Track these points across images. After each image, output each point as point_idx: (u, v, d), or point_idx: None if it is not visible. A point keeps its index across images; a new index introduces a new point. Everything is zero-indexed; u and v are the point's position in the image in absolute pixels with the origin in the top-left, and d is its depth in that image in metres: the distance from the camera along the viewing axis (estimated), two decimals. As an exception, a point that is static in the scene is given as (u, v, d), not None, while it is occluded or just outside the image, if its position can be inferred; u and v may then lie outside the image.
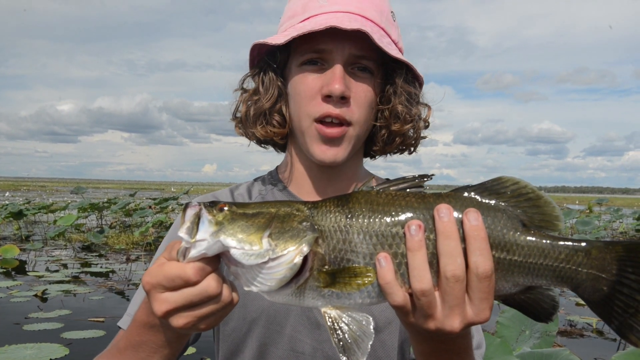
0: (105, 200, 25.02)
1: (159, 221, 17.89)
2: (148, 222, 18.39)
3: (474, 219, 0.93)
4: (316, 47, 1.41)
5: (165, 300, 0.94)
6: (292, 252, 0.92)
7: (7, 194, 50.87)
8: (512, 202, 0.97)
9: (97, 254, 14.72)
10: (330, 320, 0.97)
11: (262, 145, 1.62)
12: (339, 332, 0.96)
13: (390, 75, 1.47)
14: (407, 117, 1.48)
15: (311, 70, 1.43)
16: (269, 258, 0.91)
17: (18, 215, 18.25)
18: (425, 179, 1.00)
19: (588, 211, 29.23)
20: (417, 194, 0.98)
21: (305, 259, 0.94)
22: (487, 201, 0.97)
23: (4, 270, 12.08)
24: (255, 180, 1.68)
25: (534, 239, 0.96)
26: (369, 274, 0.94)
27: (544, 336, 5.33)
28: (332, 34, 1.36)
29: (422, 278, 0.92)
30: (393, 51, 1.39)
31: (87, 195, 30.77)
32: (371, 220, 0.96)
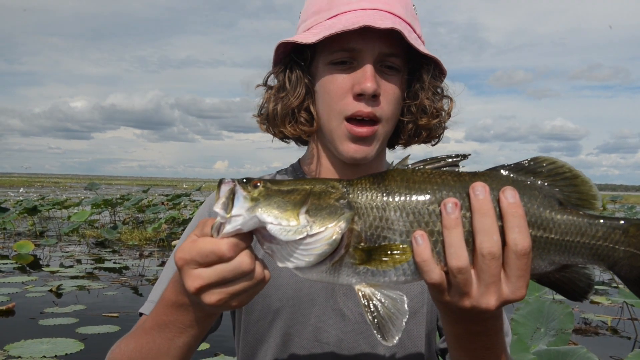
0: (119, 196, 25.19)
1: (172, 217, 17.98)
2: (161, 218, 18.48)
3: (511, 197, 0.93)
4: (346, 45, 1.40)
5: (199, 276, 0.94)
6: (331, 229, 0.92)
7: (21, 189, 51.35)
8: (549, 181, 0.97)
9: (110, 250, 14.82)
10: (364, 297, 0.97)
11: (284, 140, 1.62)
12: (373, 309, 0.96)
13: (417, 70, 1.48)
14: (434, 111, 1.49)
15: (340, 69, 1.43)
16: (307, 234, 0.91)
17: (32, 211, 18.42)
18: (461, 159, 1.01)
19: (602, 209, 28.99)
20: (453, 173, 0.99)
21: (341, 236, 0.94)
22: (523, 180, 0.97)
23: (19, 265, 12.20)
24: (278, 172, 1.69)
25: (570, 217, 0.96)
26: (404, 251, 0.94)
27: (560, 334, 5.30)
28: (363, 32, 1.35)
29: (459, 256, 0.92)
30: (422, 47, 1.39)
31: (100, 192, 31.00)
32: (407, 197, 0.96)
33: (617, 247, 0.96)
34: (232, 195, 0.93)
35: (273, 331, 1.47)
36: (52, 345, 6.73)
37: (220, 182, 0.95)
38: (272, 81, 1.56)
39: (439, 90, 1.51)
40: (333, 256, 0.95)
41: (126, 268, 12.25)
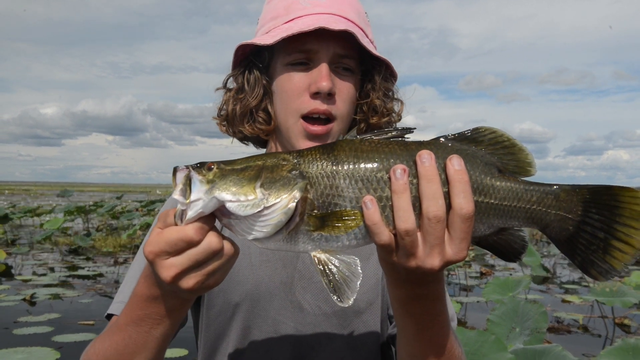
0: (92, 203, 24.85)
1: (147, 223, 17.80)
2: (135, 224, 18.29)
3: (457, 164, 0.99)
4: (302, 47, 1.46)
5: (172, 265, 0.97)
6: (286, 199, 0.96)
7: (-10, 197, 50.24)
8: (489, 149, 1.04)
9: (84, 257, 14.61)
10: (320, 263, 1.01)
11: (244, 142, 1.68)
12: (329, 273, 1.00)
13: (369, 72, 1.56)
14: (384, 110, 1.57)
15: (297, 69, 1.49)
16: (264, 207, 0.95)
17: (3, 219, 18.05)
18: (406, 132, 1.06)
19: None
20: (400, 142, 1.04)
21: (295, 205, 0.98)
22: (466, 148, 1.03)
23: (-9, 274, 11.96)
24: None
25: (508, 183, 1.03)
26: (356, 217, 0.99)
27: (534, 333, 5.40)
28: (319, 34, 1.42)
29: (406, 219, 0.97)
30: (374, 50, 1.48)
31: (72, 199, 30.53)
32: (356, 166, 1.00)
33: (549, 210, 1.04)
34: (188, 181, 0.96)
35: (234, 325, 1.51)
36: (27, 355, 6.63)
37: (175, 170, 0.98)
38: (231, 84, 1.62)
39: (389, 92, 1.59)
40: (289, 225, 0.98)
41: (100, 275, 12.09)
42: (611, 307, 8.28)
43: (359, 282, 1.00)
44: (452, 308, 1.57)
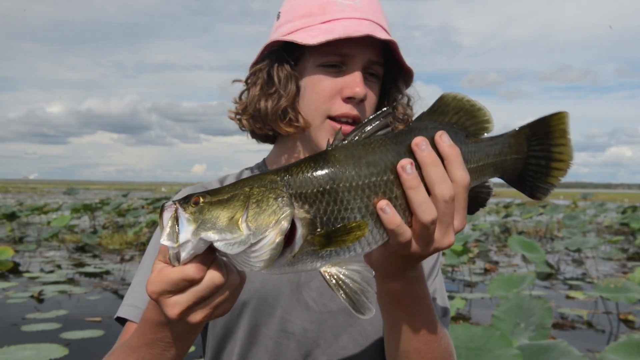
0: (98, 201, 24.96)
1: (152, 221, 17.89)
2: (141, 222, 18.37)
3: (447, 139, 1.01)
4: (340, 50, 1.45)
5: (176, 303, 0.96)
6: (272, 233, 0.91)
7: (-3, 195, 50.44)
8: (455, 117, 1.07)
9: (91, 255, 14.72)
10: (331, 278, 0.98)
11: (255, 137, 1.65)
12: (344, 287, 0.97)
13: (394, 79, 1.56)
14: (407, 118, 1.59)
15: (330, 71, 1.48)
16: (251, 243, 0.90)
17: (11, 216, 18.19)
18: (388, 114, 1.05)
19: (574, 205, 29.67)
20: (389, 137, 1.02)
21: (294, 228, 0.94)
22: (439, 122, 1.06)
23: (-1, 271, 12.08)
24: (246, 169, 1.71)
25: (477, 144, 1.08)
26: (362, 226, 0.95)
27: (539, 329, 5.44)
28: (358, 40, 1.41)
29: (430, 210, 0.98)
30: (406, 61, 1.49)
31: (78, 197, 30.62)
32: (357, 175, 0.97)
33: (507, 157, 1.11)
34: (175, 221, 0.92)
35: (241, 323, 1.51)
36: (36, 351, 6.69)
37: (162, 210, 0.94)
38: (251, 79, 1.57)
39: (410, 100, 1.62)
40: (292, 248, 0.94)
41: (107, 272, 12.17)
42: (615, 303, 8.30)
43: (374, 290, 0.99)
44: (447, 301, 1.58)
